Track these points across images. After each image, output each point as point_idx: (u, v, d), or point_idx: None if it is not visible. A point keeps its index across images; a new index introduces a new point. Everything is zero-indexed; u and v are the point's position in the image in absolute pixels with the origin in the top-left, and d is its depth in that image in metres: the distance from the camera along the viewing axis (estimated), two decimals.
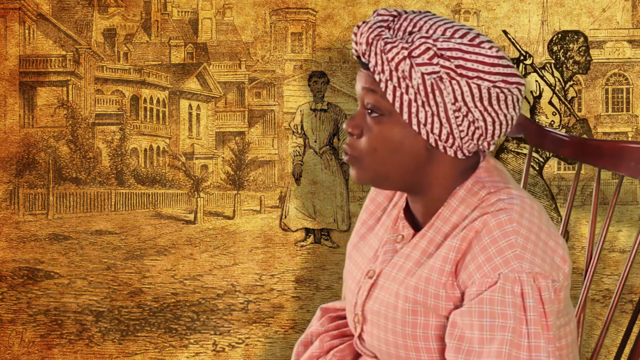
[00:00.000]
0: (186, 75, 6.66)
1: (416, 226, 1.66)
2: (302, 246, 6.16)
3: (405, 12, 1.57)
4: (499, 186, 1.58)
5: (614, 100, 7.56)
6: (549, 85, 5.33)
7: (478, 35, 1.54)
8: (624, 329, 1.92)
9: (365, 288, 1.66)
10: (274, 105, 6.74)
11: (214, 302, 5.50)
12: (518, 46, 5.26)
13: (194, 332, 5.29)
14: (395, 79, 1.52)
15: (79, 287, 5.56)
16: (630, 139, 7.54)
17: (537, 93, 5.32)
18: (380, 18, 1.57)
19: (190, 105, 6.81)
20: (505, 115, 1.55)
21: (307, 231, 6.30)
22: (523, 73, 5.36)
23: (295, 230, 6.16)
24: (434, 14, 1.57)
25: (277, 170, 6.75)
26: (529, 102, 5.32)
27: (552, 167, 6.28)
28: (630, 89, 7.92)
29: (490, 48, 1.53)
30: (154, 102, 6.74)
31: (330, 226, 6.19)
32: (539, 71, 5.33)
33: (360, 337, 1.70)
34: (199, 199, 6.31)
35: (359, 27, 1.56)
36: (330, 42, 6.18)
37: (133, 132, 6.51)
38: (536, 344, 1.47)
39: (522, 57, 5.37)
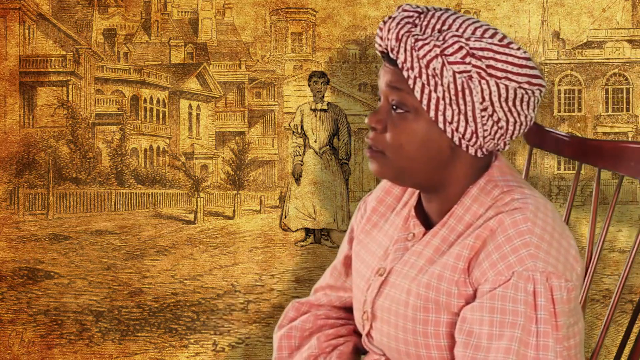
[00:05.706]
0: (186, 75, 6.66)
1: (427, 224, 1.66)
2: (302, 246, 6.16)
3: (429, 9, 1.57)
4: (512, 185, 1.59)
5: (614, 100, 7.55)
6: None
7: (505, 36, 1.57)
8: (624, 329, 1.92)
9: (375, 285, 1.66)
10: (274, 105, 6.75)
11: (214, 302, 5.50)
12: None
13: (194, 332, 5.29)
14: (424, 77, 1.53)
15: (79, 287, 5.56)
16: (630, 139, 7.53)
17: None
18: (406, 14, 1.57)
19: (190, 105, 6.82)
20: (525, 116, 1.57)
21: (307, 231, 6.29)
22: None
23: (295, 230, 6.16)
24: (459, 12, 1.58)
25: (277, 170, 6.76)
26: None
27: (552, 167, 6.28)
28: (630, 89, 7.91)
29: (518, 49, 1.54)
30: (154, 102, 6.74)
31: (330, 226, 6.19)
32: None
33: (368, 334, 1.70)
34: (199, 199, 6.31)
35: (385, 22, 1.56)
36: (330, 42, 6.18)
37: (133, 132, 6.52)
38: (544, 343, 1.47)
39: None
